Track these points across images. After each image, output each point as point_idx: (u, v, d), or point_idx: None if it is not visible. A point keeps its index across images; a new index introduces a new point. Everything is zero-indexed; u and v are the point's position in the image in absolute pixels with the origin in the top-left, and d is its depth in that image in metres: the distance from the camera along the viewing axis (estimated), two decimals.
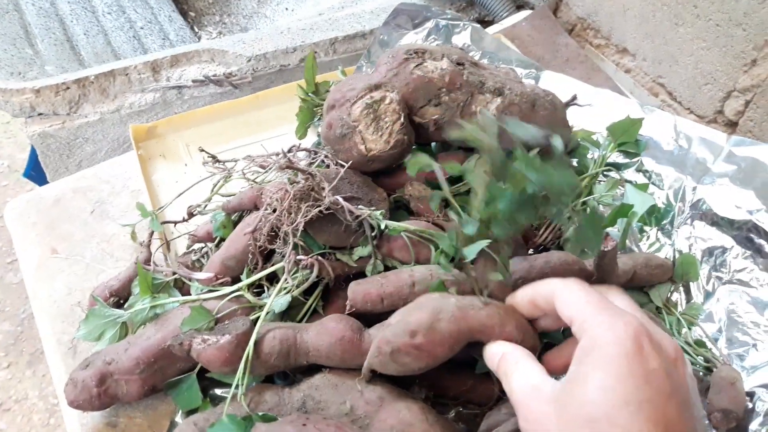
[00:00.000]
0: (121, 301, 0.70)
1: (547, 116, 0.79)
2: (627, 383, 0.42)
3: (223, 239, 0.72)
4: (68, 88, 0.95)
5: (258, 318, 0.62)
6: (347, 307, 0.65)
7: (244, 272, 0.67)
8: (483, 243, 0.57)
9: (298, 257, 0.64)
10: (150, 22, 1.39)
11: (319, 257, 0.66)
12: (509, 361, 0.52)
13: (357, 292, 0.65)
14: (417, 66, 0.73)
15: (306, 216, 0.63)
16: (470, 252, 0.58)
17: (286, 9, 1.71)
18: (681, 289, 0.79)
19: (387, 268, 0.69)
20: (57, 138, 0.94)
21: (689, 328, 0.75)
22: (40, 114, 0.95)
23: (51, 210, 0.79)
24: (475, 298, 0.59)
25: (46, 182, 1.17)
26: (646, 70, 1.14)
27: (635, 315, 0.47)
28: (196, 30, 1.74)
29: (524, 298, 0.57)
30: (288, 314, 0.68)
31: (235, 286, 0.65)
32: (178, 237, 0.76)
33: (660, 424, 0.40)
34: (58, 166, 0.98)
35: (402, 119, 0.71)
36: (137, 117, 0.98)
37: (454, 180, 0.78)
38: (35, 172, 1.29)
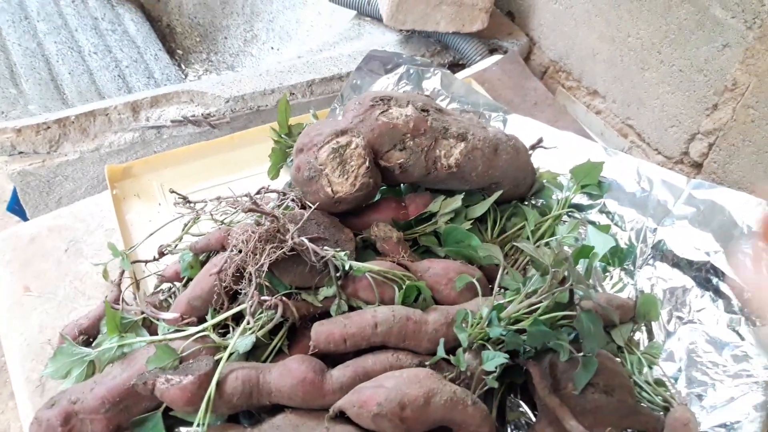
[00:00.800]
0: (91, 339, 0.72)
1: (510, 160, 0.82)
2: None
3: (190, 279, 0.73)
4: (49, 127, 0.97)
5: (221, 358, 0.63)
6: (310, 348, 0.67)
7: (209, 312, 0.68)
8: (500, 359, 0.62)
9: (263, 298, 0.66)
10: (135, 61, 1.43)
11: (284, 298, 0.67)
12: None
13: (320, 333, 0.67)
14: (382, 112, 0.76)
15: (270, 257, 0.65)
16: (489, 365, 0.63)
17: (272, 48, 1.76)
18: (643, 328, 0.81)
19: (351, 308, 0.71)
20: (36, 176, 0.96)
21: (650, 368, 0.77)
22: (20, 152, 0.97)
23: (27, 248, 0.81)
24: (467, 393, 0.62)
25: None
26: (616, 111, 1.18)
27: None
28: (183, 67, 1.78)
29: None
30: (253, 354, 0.69)
31: (201, 327, 0.66)
32: (149, 276, 0.78)
33: None
34: (37, 203, 1.00)
35: (367, 163, 0.73)
36: (116, 156, 1.01)
37: (420, 221, 0.80)
38: (18, 206, 1.31)
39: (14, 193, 1.34)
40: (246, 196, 0.76)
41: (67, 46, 1.32)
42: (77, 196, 1.03)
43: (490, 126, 0.83)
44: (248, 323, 0.64)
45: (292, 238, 0.66)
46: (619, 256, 0.85)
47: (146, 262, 0.76)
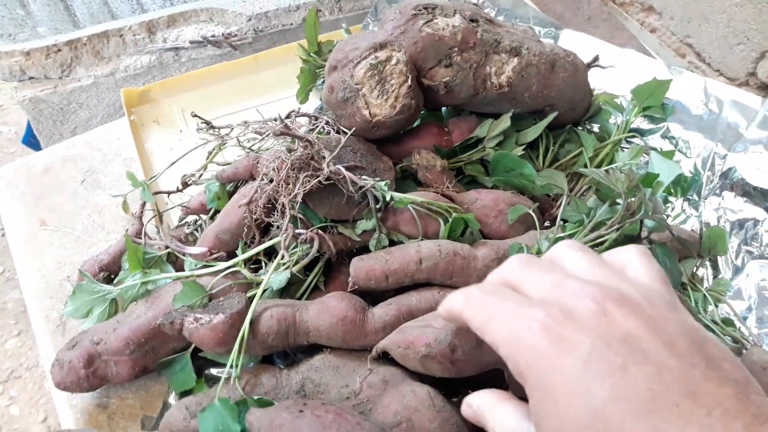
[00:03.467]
0: (112, 276, 0.67)
1: (567, 78, 0.73)
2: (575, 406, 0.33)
3: (217, 211, 0.67)
4: (60, 50, 0.90)
5: (254, 295, 0.58)
6: (349, 285, 0.61)
7: (240, 247, 0.62)
8: None
9: (297, 231, 0.60)
10: None
11: (320, 231, 0.61)
12: (485, 411, 0.43)
13: (360, 269, 0.61)
14: (426, 23, 0.67)
15: (305, 187, 0.58)
16: None
17: None
18: (708, 263, 0.74)
19: (392, 243, 0.65)
20: (49, 103, 0.90)
21: (716, 306, 0.70)
22: (31, 78, 0.91)
23: (41, 179, 0.75)
24: None
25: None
26: (673, 29, 1.07)
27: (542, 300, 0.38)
28: None
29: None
30: (287, 291, 0.64)
31: (231, 262, 0.61)
32: (172, 208, 0.72)
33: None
34: (52, 132, 0.94)
35: (409, 82, 0.65)
36: (133, 80, 0.93)
37: (465, 147, 0.73)
38: (34, 139, 1.26)
39: (29, 125, 1.29)
40: (275, 120, 0.69)
41: None
42: (93, 125, 0.97)
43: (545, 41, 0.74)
44: (282, 258, 0.58)
45: (328, 166, 0.60)
46: (682, 186, 0.77)
47: (169, 193, 0.70)
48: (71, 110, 0.92)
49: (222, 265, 0.61)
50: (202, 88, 0.81)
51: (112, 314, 0.62)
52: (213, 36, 0.93)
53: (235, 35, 0.94)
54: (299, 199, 0.58)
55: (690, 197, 0.77)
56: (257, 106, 0.80)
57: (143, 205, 0.69)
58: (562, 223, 0.63)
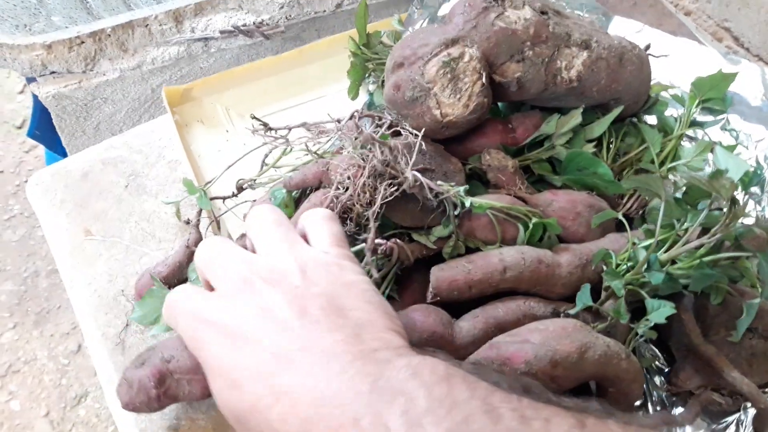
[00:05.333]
0: (171, 289, 0.63)
1: (634, 72, 0.70)
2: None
3: None
4: (83, 42, 0.84)
5: None
6: (429, 296, 0.58)
7: None
8: (669, 309, 0.54)
9: (378, 241, 0.57)
10: None
11: (399, 241, 0.58)
12: None
13: (442, 279, 0.58)
14: (498, 16, 0.64)
15: (386, 198, 0.55)
16: (657, 316, 0.54)
17: None
18: None
19: (468, 249, 0.62)
20: (73, 99, 0.85)
21: None
22: (52, 73, 0.85)
23: (80, 185, 0.71)
24: (621, 347, 0.54)
25: (55, 142, 1.08)
26: (710, 12, 1.05)
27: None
28: None
29: None
30: None
31: None
32: (225, 213, 0.68)
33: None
34: (74, 129, 0.88)
35: (483, 79, 0.62)
36: (160, 74, 0.89)
37: (533, 145, 0.70)
38: (40, 131, 1.19)
39: (35, 115, 1.22)
40: (338, 121, 0.65)
41: None
42: (117, 120, 0.92)
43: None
44: (366, 265, 0.55)
45: (408, 173, 0.56)
46: (744, 180, 0.76)
47: (224, 198, 0.66)
48: (95, 105, 0.87)
49: None
50: (245, 84, 0.76)
51: None
52: (244, 25, 0.88)
53: (267, 24, 0.90)
54: (381, 210, 0.55)
55: (752, 191, 0.76)
56: (305, 103, 0.77)
57: (200, 212, 0.66)
58: (646, 227, 0.61)
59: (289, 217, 0.63)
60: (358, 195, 0.57)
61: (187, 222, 0.67)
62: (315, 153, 0.62)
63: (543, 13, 0.66)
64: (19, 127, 2.41)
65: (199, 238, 0.63)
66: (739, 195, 0.76)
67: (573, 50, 0.66)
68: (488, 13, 0.64)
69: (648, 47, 0.79)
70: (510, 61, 0.64)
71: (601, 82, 0.68)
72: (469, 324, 0.56)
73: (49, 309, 2.02)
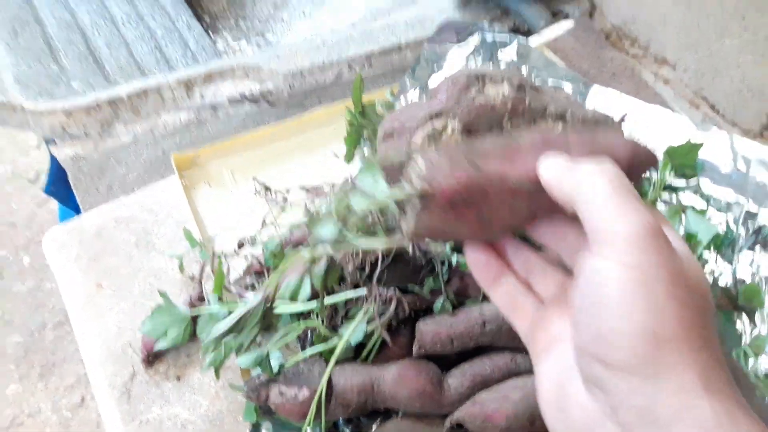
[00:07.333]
0: None
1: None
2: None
3: (275, 267, 0.69)
4: (100, 108, 0.91)
5: (331, 359, 0.59)
6: (414, 349, 0.63)
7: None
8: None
9: (380, 289, 0.62)
10: (169, 30, 1.35)
11: (398, 290, 0.63)
12: None
13: (426, 333, 0.62)
14: (478, 92, 0.70)
15: (383, 259, 0.60)
16: None
17: (303, 13, 1.67)
18: (745, 318, 0.77)
19: (461, 303, 0.67)
20: (89, 160, 0.91)
21: (756, 359, 0.73)
22: (70, 135, 0.92)
23: (94, 242, 0.76)
24: None
25: (69, 198, 1.14)
26: (687, 81, 1.12)
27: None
28: (212, 35, 1.70)
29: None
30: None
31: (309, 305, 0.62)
32: (227, 269, 0.73)
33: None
34: (89, 187, 0.94)
35: None
36: (171, 137, 0.95)
37: None
38: (56, 188, 1.26)
39: (51, 173, 1.29)
40: (333, 185, 0.71)
41: (101, 15, 1.24)
42: (129, 180, 0.98)
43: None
44: (367, 312, 0.59)
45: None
46: (716, 242, 0.81)
47: (226, 255, 0.71)
48: (109, 166, 0.93)
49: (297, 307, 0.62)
50: (249, 150, 0.83)
51: (188, 337, 0.64)
52: (251, 93, 0.95)
53: (272, 92, 0.97)
54: (378, 272, 0.61)
55: (724, 252, 0.80)
56: (305, 166, 0.82)
57: (203, 267, 0.71)
58: None
59: (276, 266, 0.68)
60: (350, 255, 0.62)
61: (192, 278, 0.72)
62: (314, 213, 0.68)
63: (521, 88, 0.72)
64: (32, 181, 2.49)
65: (201, 294, 0.68)
66: (712, 254, 0.81)
67: (549, 121, 0.72)
68: (469, 90, 0.70)
69: (625, 116, 0.85)
70: (489, 131, 0.70)
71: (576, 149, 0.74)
72: (457, 381, 0.61)
73: (54, 362, 2.04)
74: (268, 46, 1.68)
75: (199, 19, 1.70)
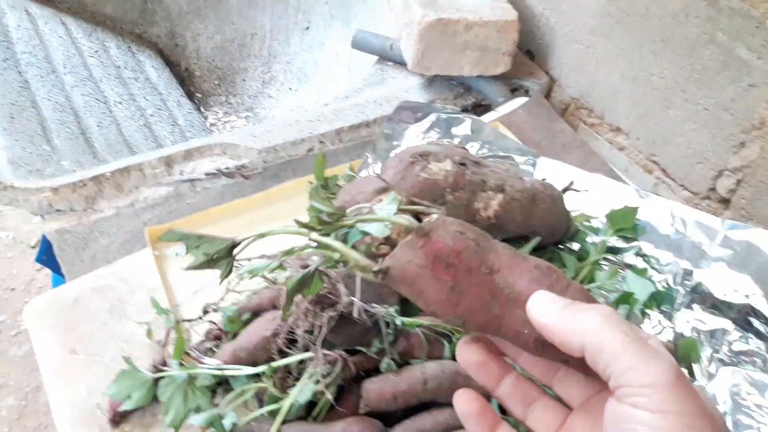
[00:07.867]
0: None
1: (547, 209, 0.83)
2: None
3: (235, 334, 0.74)
4: (85, 185, 0.98)
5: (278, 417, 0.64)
6: (361, 406, 0.67)
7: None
8: None
9: (325, 352, 0.66)
10: (159, 108, 1.45)
11: (343, 353, 0.68)
12: None
13: (371, 391, 0.67)
14: (422, 168, 0.77)
15: (328, 323, 0.66)
16: None
17: (290, 89, 1.78)
18: (684, 371, 0.81)
19: (406, 363, 0.71)
20: (74, 233, 0.97)
21: None
22: (57, 210, 0.99)
23: (71, 310, 0.81)
24: None
25: (58, 268, 1.20)
26: (640, 148, 1.19)
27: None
28: (203, 111, 1.80)
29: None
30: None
31: (258, 369, 0.67)
32: (193, 335, 0.78)
33: None
34: (73, 258, 1.00)
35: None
36: (151, 210, 1.02)
37: None
38: (46, 257, 1.32)
39: (43, 244, 1.36)
40: (286, 254, 0.77)
41: (94, 97, 1.34)
42: (111, 251, 1.04)
43: (525, 177, 0.84)
44: (312, 376, 0.64)
45: (344, 299, 0.67)
46: (657, 299, 0.86)
47: (191, 321, 0.77)
48: (93, 238, 1.00)
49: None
50: (218, 222, 0.89)
51: (150, 398, 0.69)
52: (227, 168, 1.03)
53: (247, 167, 1.04)
54: (323, 334, 0.66)
55: (665, 310, 0.85)
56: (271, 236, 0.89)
57: (167, 333, 0.76)
58: None
59: (233, 331, 0.73)
60: (301, 319, 0.67)
61: (159, 342, 0.77)
62: (271, 281, 0.74)
63: (462, 164, 0.79)
64: (33, 247, 2.56)
65: (164, 360, 0.73)
66: (655, 312, 0.86)
67: (489, 194, 0.79)
68: (414, 167, 0.77)
69: (571, 184, 0.92)
70: (434, 204, 0.77)
71: (516, 219, 0.80)
72: None
73: (46, 424, 2.06)
74: (257, 119, 1.78)
75: (191, 96, 1.81)
